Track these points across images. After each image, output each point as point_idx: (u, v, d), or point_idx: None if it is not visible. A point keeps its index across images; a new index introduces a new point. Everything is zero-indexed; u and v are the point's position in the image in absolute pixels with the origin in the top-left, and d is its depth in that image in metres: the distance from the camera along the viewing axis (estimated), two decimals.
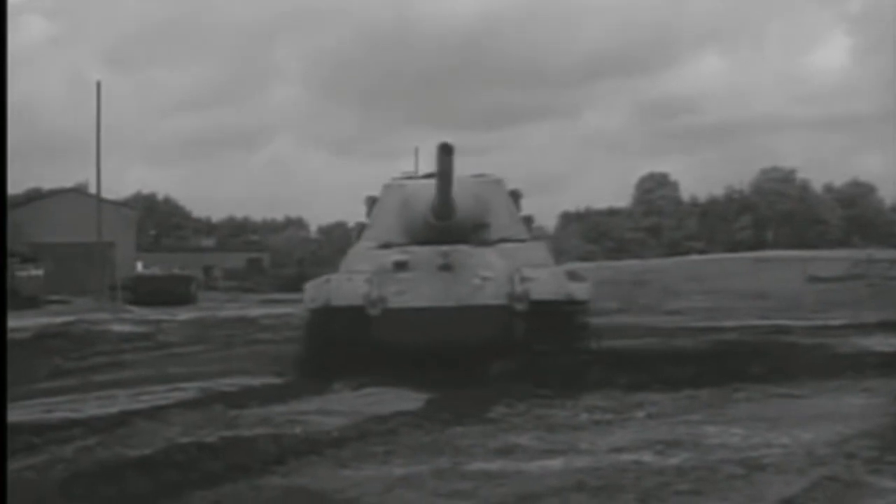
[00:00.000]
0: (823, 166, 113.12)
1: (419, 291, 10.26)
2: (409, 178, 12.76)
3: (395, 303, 10.16)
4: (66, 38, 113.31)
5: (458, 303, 10.11)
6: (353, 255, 11.33)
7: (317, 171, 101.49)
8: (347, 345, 10.09)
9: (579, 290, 10.14)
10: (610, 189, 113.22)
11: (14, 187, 61.10)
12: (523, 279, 10.09)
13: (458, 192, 10.99)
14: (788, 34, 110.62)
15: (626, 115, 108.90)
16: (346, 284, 10.47)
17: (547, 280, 10.15)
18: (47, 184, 63.18)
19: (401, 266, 10.54)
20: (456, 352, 9.72)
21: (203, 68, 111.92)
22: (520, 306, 9.94)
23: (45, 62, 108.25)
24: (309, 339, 10.79)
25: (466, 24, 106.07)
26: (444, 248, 10.64)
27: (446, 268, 10.45)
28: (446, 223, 10.95)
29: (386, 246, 11.13)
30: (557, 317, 9.99)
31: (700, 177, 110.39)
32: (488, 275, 10.28)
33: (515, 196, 12.42)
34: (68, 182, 59.02)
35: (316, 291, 10.58)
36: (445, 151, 10.04)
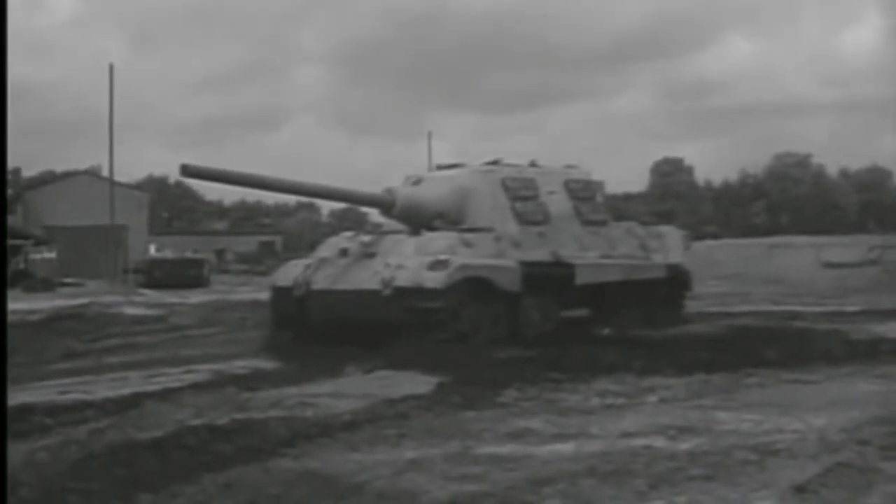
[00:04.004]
0: (849, 150, 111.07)
1: (335, 275, 11.57)
2: (439, 169, 13.63)
3: (314, 285, 11.58)
4: (91, 19, 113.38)
5: (351, 287, 11.27)
6: (325, 243, 12.90)
7: (329, 156, 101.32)
8: (289, 318, 11.78)
9: (432, 280, 10.78)
10: (631, 173, 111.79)
11: (29, 169, 61.51)
12: (398, 267, 11.00)
13: (427, 184, 12.52)
14: (819, 15, 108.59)
15: (651, 99, 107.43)
16: (291, 269, 12.15)
17: (410, 269, 10.96)
18: (71, 165, 63.26)
19: (343, 253, 11.89)
20: (356, 328, 10.80)
21: (223, 50, 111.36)
22: (386, 291, 10.87)
23: (71, 43, 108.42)
24: (269, 312, 12.68)
25: (493, 5, 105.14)
26: (368, 238, 12.06)
27: (370, 255, 11.57)
28: (390, 215, 12.43)
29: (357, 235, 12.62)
30: (414, 302, 10.70)
31: (725, 161, 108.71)
32: (392, 262, 11.19)
33: (596, 186, 13.56)
34: (87, 164, 59.01)
35: (275, 273, 12.68)
36: (182, 171, 11.08)
